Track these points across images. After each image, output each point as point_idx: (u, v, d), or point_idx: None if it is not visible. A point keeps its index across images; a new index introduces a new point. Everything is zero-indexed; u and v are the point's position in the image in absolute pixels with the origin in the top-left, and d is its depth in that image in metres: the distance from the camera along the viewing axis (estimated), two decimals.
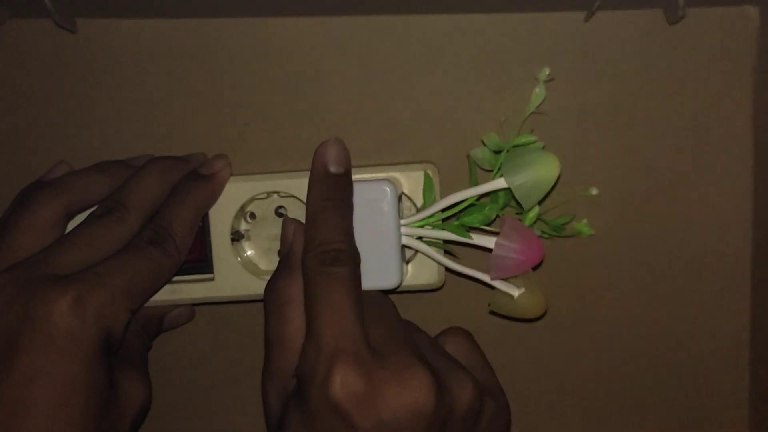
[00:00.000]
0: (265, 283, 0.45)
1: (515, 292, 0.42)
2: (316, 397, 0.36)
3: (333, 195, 0.40)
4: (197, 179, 0.43)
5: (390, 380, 0.36)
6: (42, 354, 0.37)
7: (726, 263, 0.47)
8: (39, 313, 0.37)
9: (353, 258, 0.39)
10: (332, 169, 0.41)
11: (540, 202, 0.42)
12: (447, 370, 0.38)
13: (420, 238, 0.43)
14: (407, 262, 0.45)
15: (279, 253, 0.44)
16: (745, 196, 0.47)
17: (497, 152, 0.43)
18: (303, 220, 0.46)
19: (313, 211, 0.40)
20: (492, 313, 0.44)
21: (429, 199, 0.44)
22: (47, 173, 0.44)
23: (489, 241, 0.42)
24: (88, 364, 0.38)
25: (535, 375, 0.49)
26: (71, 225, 0.42)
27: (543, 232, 0.45)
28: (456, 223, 0.43)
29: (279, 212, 0.46)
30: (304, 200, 0.44)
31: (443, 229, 0.43)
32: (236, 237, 0.46)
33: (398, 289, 0.43)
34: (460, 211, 0.43)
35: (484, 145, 0.43)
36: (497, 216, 0.43)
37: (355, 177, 0.43)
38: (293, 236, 0.41)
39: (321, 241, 0.39)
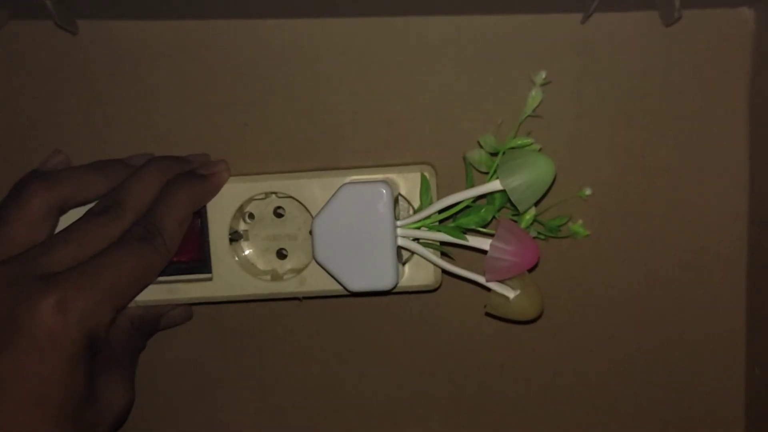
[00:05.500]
0: (262, 283, 0.45)
1: (511, 294, 0.42)
2: None
3: None
4: (191, 176, 0.44)
5: None
6: (22, 353, 0.37)
7: (722, 263, 0.48)
8: (23, 314, 0.38)
9: None
10: None
11: (536, 204, 0.43)
12: None
13: (416, 239, 0.43)
14: (404, 264, 0.45)
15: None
16: (741, 196, 0.47)
17: (494, 154, 0.43)
18: (302, 220, 0.46)
19: None
20: (488, 314, 0.44)
21: (426, 200, 0.44)
22: (44, 162, 0.44)
23: (485, 243, 0.42)
24: (68, 365, 0.38)
25: (531, 375, 0.49)
26: (64, 220, 0.42)
27: (539, 233, 0.45)
28: (452, 224, 0.43)
29: (277, 212, 0.47)
30: (302, 201, 0.45)
31: (439, 231, 0.43)
32: (234, 237, 0.46)
33: (395, 290, 0.44)
34: (457, 213, 0.43)
35: (481, 147, 0.43)
36: (493, 218, 0.43)
37: (352, 178, 0.44)
38: None
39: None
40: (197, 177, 0.44)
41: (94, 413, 0.40)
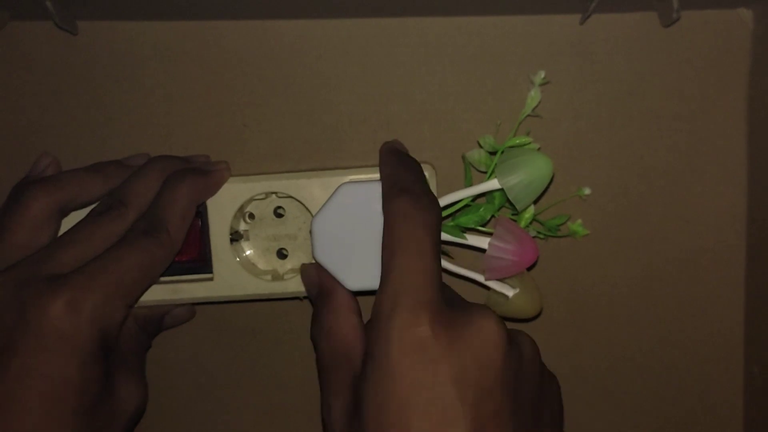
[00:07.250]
0: (263, 283, 0.45)
1: (510, 293, 0.42)
2: (396, 349, 0.34)
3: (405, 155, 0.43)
4: (191, 171, 0.44)
5: (467, 326, 0.35)
6: (34, 355, 0.37)
7: (720, 262, 0.48)
8: (33, 316, 0.38)
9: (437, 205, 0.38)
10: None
11: (535, 203, 0.43)
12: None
13: None
14: None
15: (307, 294, 0.43)
16: (739, 197, 0.47)
17: (493, 154, 0.43)
18: (302, 220, 0.47)
19: (389, 162, 0.42)
20: None
21: None
22: (34, 166, 0.44)
23: (483, 242, 0.42)
24: (81, 365, 0.38)
25: None
26: (65, 223, 0.43)
27: (538, 232, 0.45)
28: (451, 223, 0.43)
29: (277, 212, 0.47)
30: (302, 201, 0.45)
31: None
32: (235, 237, 0.46)
33: None
34: (456, 212, 0.43)
35: (480, 146, 0.43)
36: (492, 217, 0.44)
37: (350, 178, 0.44)
38: (317, 275, 0.42)
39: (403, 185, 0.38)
40: (198, 171, 0.44)
41: (110, 411, 0.40)
